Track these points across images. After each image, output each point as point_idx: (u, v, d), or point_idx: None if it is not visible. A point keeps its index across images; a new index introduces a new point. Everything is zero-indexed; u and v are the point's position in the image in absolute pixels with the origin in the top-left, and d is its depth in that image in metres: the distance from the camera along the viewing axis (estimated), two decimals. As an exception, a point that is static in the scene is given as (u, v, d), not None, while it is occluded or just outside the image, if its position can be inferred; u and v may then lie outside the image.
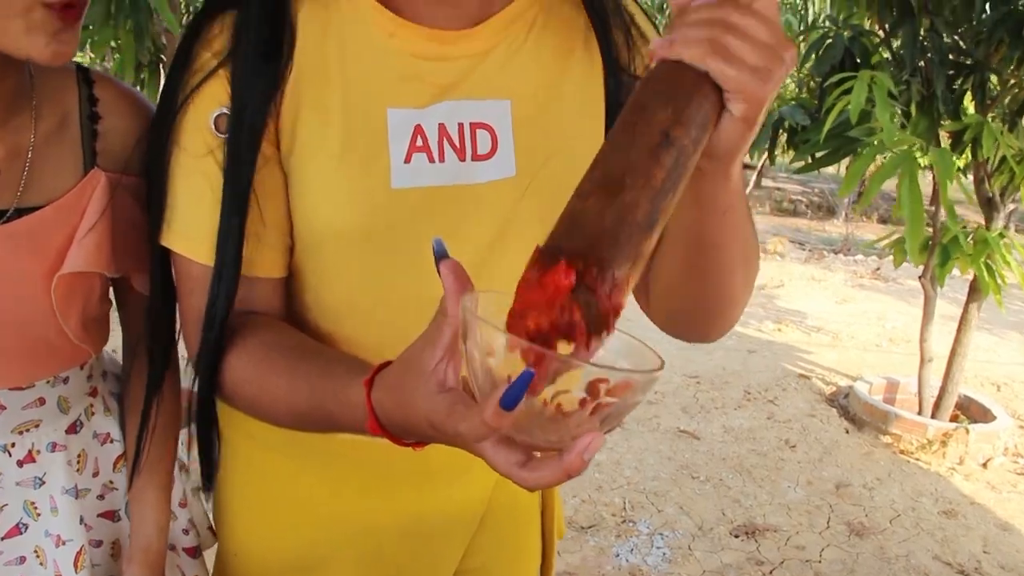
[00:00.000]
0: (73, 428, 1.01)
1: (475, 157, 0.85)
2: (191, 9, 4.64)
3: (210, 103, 0.80)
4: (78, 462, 1.02)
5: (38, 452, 0.98)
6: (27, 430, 0.96)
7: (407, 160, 0.82)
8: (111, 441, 1.06)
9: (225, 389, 0.84)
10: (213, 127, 0.80)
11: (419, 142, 0.83)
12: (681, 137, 0.57)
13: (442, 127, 0.83)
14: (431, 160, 0.83)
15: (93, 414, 1.04)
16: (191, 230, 0.82)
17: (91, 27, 3.07)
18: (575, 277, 0.52)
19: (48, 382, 0.96)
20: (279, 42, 0.80)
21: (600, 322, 0.54)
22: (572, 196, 0.57)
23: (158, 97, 0.85)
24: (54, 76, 0.92)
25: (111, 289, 1.01)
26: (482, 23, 0.85)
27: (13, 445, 0.96)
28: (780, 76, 0.61)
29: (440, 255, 0.65)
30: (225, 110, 0.79)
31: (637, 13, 0.94)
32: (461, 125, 0.84)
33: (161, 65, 3.35)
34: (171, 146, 0.81)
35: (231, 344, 0.82)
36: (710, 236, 0.75)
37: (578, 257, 0.53)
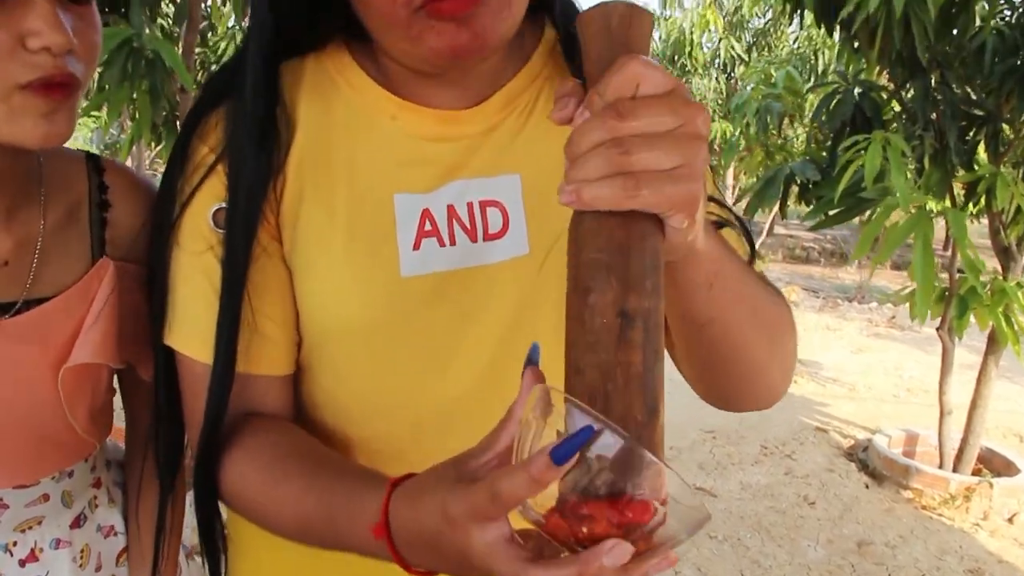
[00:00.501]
0: (77, 522, 0.98)
1: (487, 237, 0.81)
2: (207, 67, 4.70)
3: (209, 199, 0.78)
4: (81, 557, 0.98)
5: (41, 550, 0.94)
6: (30, 528, 0.93)
7: (416, 247, 0.79)
8: (115, 534, 1.03)
9: (227, 494, 0.80)
10: (212, 223, 0.78)
11: (428, 227, 0.80)
12: (639, 303, 0.54)
13: (451, 208, 0.80)
14: (441, 244, 0.80)
15: (97, 506, 1.01)
16: (192, 329, 0.80)
17: (107, 88, 3.11)
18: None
19: (53, 478, 0.93)
20: (273, 130, 0.78)
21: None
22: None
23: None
24: (63, 163, 0.91)
25: (115, 376, 0.99)
26: (486, 100, 0.82)
27: (15, 544, 0.93)
28: (703, 154, 0.55)
29: (531, 360, 0.61)
30: (223, 205, 0.78)
31: None
32: (471, 204, 0.81)
33: (177, 123, 3.38)
34: (172, 244, 0.80)
35: (236, 446, 0.79)
36: (702, 314, 0.71)
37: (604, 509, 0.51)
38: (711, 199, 0.83)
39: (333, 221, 0.79)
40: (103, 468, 1.02)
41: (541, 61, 0.85)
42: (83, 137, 12.25)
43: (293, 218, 0.79)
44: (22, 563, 0.93)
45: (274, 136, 0.78)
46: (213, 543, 0.86)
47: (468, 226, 0.81)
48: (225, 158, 0.78)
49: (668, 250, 0.58)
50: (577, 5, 0.88)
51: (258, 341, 0.79)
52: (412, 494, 0.62)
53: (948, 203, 3.80)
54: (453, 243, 0.80)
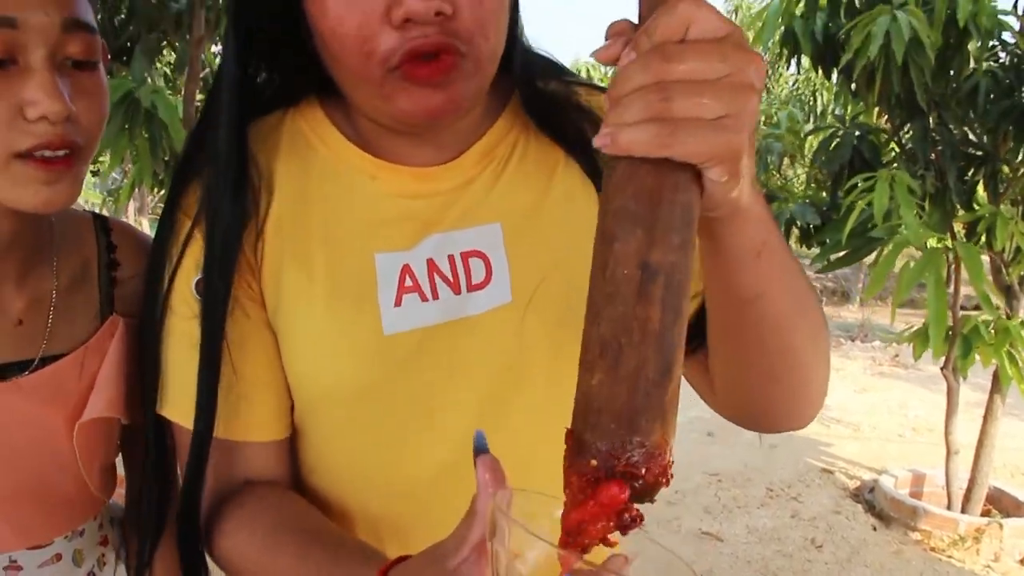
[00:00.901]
0: None
1: (470, 287, 0.80)
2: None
3: (192, 270, 0.78)
4: None
5: None
6: None
7: (397, 303, 0.78)
8: None
9: (222, 559, 0.80)
10: (195, 292, 0.78)
11: (408, 282, 0.79)
12: (663, 257, 0.50)
13: (431, 263, 0.80)
14: (423, 299, 0.79)
15: (104, 564, 1.00)
16: (179, 396, 0.79)
17: (107, 137, 3.14)
18: (621, 482, 0.50)
19: (66, 537, 0.93)
20: (246, 185, 0.78)
21: (651, 492, 0.51)
22: (580, 367, 0.52)
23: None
24: (73, 225, 0.93)
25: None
26: (462, 155, 0.82)
27: None
28: (752, 106, 0.51)
29: (479, 449, 0.60)
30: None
31: (599, 107, 0.86)
32: (452, 257, 0.80)
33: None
34: (161, 312, 0.79)
35: (232, 515, 0.78)
36: (749, 288, 0.65)
37: (611, 455, 0.49)
38: None
39: (314, 283, 0.78)
40: (109, 526, 1.02)
41: (513, 114, 0.85)
42: (86, 182, 12.36)
43: (275, 281, 0.79)
44: None
45: (247, 190, 0.78)
46: None
47: (451, 278, 0.80)
48: (202, 222, 0.78)
49: (710, 206, 0.55)
50: (538, 58, 0.88)
51: (246, 407, 0.79)
52: None
53: (950, 242, 3.80)
54: (436, 297, 0.79)
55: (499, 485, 0.57)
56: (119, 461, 1.02)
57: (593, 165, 0.82)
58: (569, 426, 0.52)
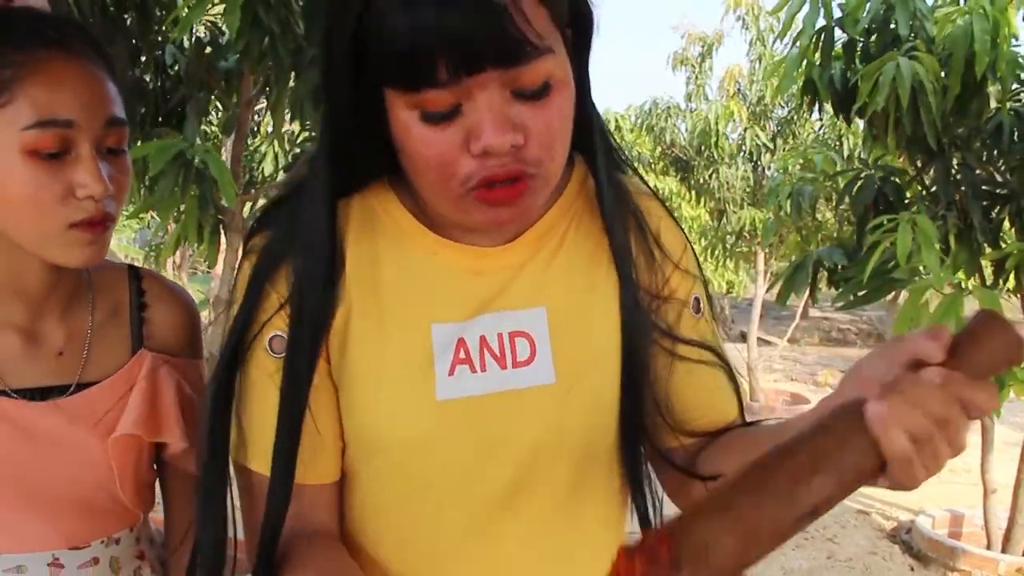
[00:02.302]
0: None
1: (515, 364, 0.88)
2: (251, 177, 4.88)
3: (269, 329, 0.86)
4: None
5: None
6: None
7: (451, 373, 0.86)
8: None
9: None
10: (269, 348, 0.86)
11: (462, 355, 0.87)
12: (825, 508, 0.63)
13: (483, 339, 0.87)
14: (473, 371, 0.87)
15: None
16: (257, 446, 0.87)
17: (158, 195, 3.28)
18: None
19: (102, 542, 1.05)
20: (336, 268, 0.86)
21: None
22: (703, 509, 0.65)
23: (226, 328, 0.90)
24: (108, 272, 1.08)
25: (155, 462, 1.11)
26: (519, 238, 0.89)
27: None
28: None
29: None
30: (280, 333, 0.85)
31: (665, 229, 0.95)
32: (501, 335, 0.88)
33: (222, 227, 3.53)
34: (240, 372, 0.87)
35: (290, 566, 0.84)
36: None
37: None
38: (706, 346, 0.94)
39: (376, 346, 0.87)
40: (147, 543, 1.13)
41: (570, 199, 0.93)
42: (126, 238, 12.64)
43: (340, 339, 0.87)
44: None
45: (338, 280, 0.86)
46: None
47: (498, 354, 0.88)
48: (288, 301, 0.86)
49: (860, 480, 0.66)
50: (619, 151, 0.96)
51: (311, 454, 0.86)
52: None
53: (977, 281, 3.83)
54: (484, 370, 0.87)
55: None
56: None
57: (627, 267, 0.91)
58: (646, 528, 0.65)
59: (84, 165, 0.92)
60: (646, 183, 0.99)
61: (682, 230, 0.98)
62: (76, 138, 0.92)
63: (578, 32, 0.82)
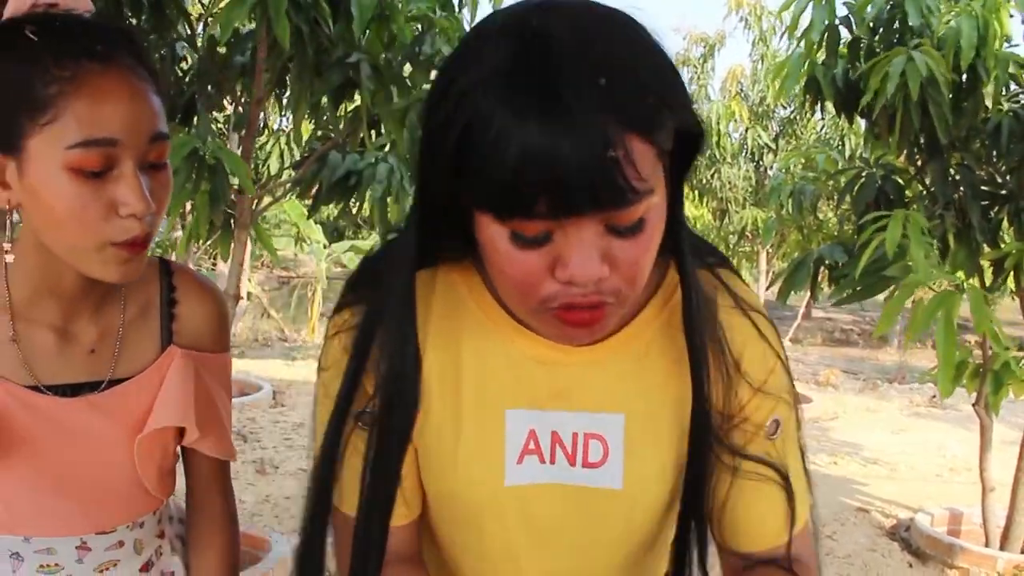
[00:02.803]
0: (146, 567, 1.13)
1: (585, 464, 0.89)
2: (257, 174, 4.90)
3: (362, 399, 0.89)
4: None
5: None
6: (106, 569, 1.09)
7: (519, 461, 0.89)
8: None
9: None
10: (358, 424, 0.89)
11: (532, 445, 0.89)
12: None
13: (555, 435, 0.89)
14: (542, 461, 0.89)
15: (161, 554, 1.16)
16: (351, 494, 0.91)
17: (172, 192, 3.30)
18: None
19: (128, 527, 1.10)
20: (418, 382, 0.87)
21: None
22: None
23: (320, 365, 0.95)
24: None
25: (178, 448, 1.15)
26: (600, 341, 0.88)
27: None
28: None
29: None
30: (368, 409, 0.88)
31: (751, 349, 0.91)
32: (575, 435, 0.89)
33: (232, 221, 3.57)
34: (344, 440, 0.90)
35: None
36: None
37: None
38: (768, 463, 0.90)
39: (452, 425, 0.90)
40: (167, 522, 1.18)
41: (656, 309, 0.90)
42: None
43: (424, 411, 0.89)
44: None
45: (419, 377, 0.86)
46: None
47: (570, 452, 0.89)
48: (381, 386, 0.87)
49: None
50: (710, 248, 0.96)
51: (400, 500, 0.91)
52: None
53: (976, 281, 3.87)
54: (553, 462, 0.89)
55: None
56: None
57: (702, 386, 0.87)
58: None
59: (127, 182, 0.91)
60: (744, 289, 0.96)
61: (774, 348, 0.93)
62: (120, 156, 0.91)
63: (681, 150, 0.78)
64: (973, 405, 4.10)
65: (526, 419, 0.89)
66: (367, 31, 2.59)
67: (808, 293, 4.31)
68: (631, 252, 0.75)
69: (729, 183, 8.65)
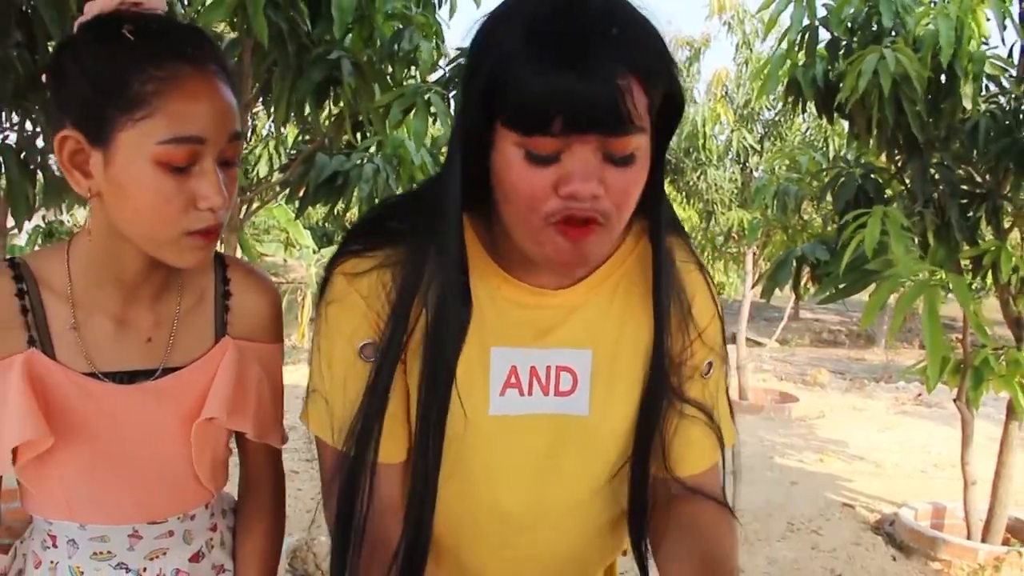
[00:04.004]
0: (196, 558, 1.17)
1: (557, 393, 1.04)
2: (246, 178, 4.93)
3: (353, 337, 1.01)
4: None
5: (163, 575, 1.14)
6: (156, 557, 1.13)
7: (502, 393, 1.03)
8: (224, 572, 1.21)
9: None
10: (361, 355, 1.01)
11: (513, 379, 1.03)
12: None
13: (533, 369, 1.03)
14: (521, 394, 1.03)
15: (212, 547, 1.19)
16: (343, 428, 1.02)
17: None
18: None
19: (179, 518, 1.14)
20: (469, 294, 0.98)
21: None
22: None
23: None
24: None
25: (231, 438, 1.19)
26: (574, 285, 1.04)
27: (145, 570, 1.12)
28: None
29: None
30: (369, 341, 1.00)
31: (699, 300, 1.09)
32: (549, 368, 1.04)
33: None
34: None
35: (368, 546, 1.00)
36: None
37: None
38: (703, 408, 1.09)
39: None
40: (219, 515, 1.21)
41: (623, 257, 1.07)
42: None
43: (415, 352, 1.00)
44: None
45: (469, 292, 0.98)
46: None
47: (544, 383, 1.04)
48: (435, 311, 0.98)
49: None
50: (678, 221, 1.12)
51: (390, 437, 1.01)
52: None
53: (942, 275, 3.92)
54: (530, 394, 1.04)
55: None
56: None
57: (663, 330, 1.04)
58: None
59: (208, 179, 0.96)
60: (695, 254, 1.13)
61: (715, 302, 1.12)
62: (203, 152, 0.96)
63: (666, 118, 0.94)
64: (955, 400, 4.16)
65: (508, 356, 1.03)
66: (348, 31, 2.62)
67: (793, 298, 4.35)
68: (621, 181, 0.90)
69: (715, 185, 8.71)
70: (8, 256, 1.03)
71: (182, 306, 1.11)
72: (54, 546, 1.11)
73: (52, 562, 1.11)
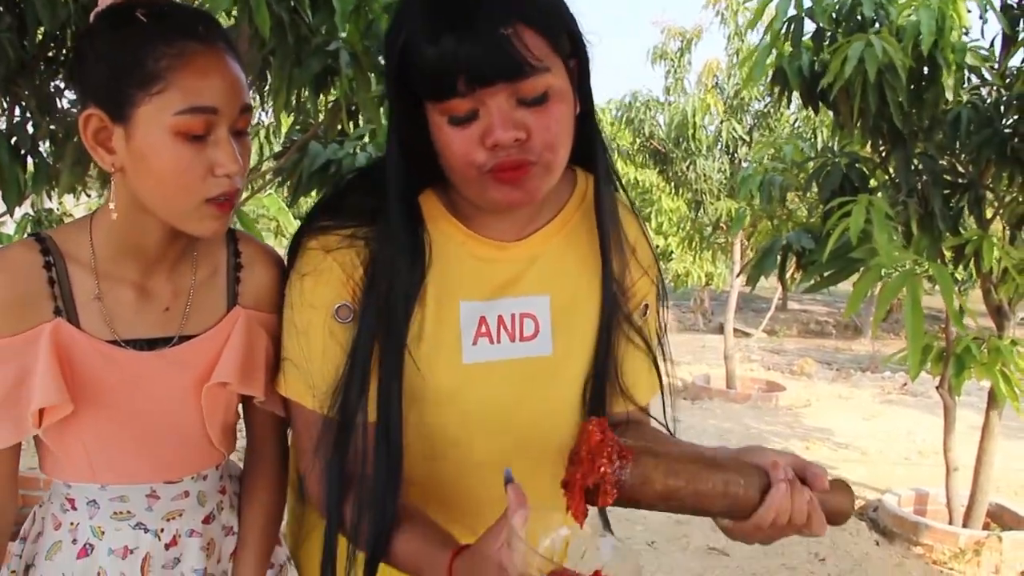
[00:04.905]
0: (208, 519, 1.24)
1: (522, 339, 1.13)
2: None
3: (332, 297, 1.09)
4: (208, 548, 1.25)
5: (179, 537, 1.22)
6: (173, 518, 1.21)
7: (474, 343, 1.11)
8: (232, 534, 1.29)
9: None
10: (336, 317, 1.08)
11: (483, 329, 1.12)
12: (713, 501, 0.94)
13: (500, 318, 1.12)
14: (491, 342, 1.12)
15: (222, 509, 1.27)
16: (322, 389, 1.10)
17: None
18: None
19: (192, 478, 1.22)
20: (421, 257, 1.08)
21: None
22: (654, 451, 0.94)
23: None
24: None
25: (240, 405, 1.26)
26: (530, 236, 1.14)
27: (162, 531, 1.20)
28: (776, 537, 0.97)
29: (508, 480, 0.91)
30: (345, 303, 1.08)
31: (640, 241, 1.22)
32: (514, 315, 1.13)
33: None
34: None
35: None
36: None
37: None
38: (646, 340, 1.21)
39: (418, 314, 1.09)
40: (228, 479, 1.29)
41: (573, 209, 1.17)
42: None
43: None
44: (166, 546, 1.21)
45: (422, 255, 1.08)
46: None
47: (510, 330, 1.13)
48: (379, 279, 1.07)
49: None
50: (616, 172, 1.20)
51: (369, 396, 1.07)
52: (467, 565, 0.94)
53: (925, 264, 3.97)
54: (499, 342, 1.12)
55: (520, 505, 0.87)
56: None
57: (610, 268, 1.15)
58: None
59: (223, 147, 1.04)
60: (631, 204, 1.25)
61: (652, 245, 1.26)
62: (217, 122, 1.03)
63: (580, 64, 1.04)
64: (937, 388, 4.21)
65: (477, 309, 1.11)
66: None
67: (780, 289, 4.39)
68: (542, 119, 0.98)
69: (704, 175, 8.75)
70: (33, 232, 1.15)
71: (197, 277, 1.18)
72: (73, 508, 1.18)
73: (72, 523, 1.18)
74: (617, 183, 1.19)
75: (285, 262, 1.17)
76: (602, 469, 0.89)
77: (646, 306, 1.23)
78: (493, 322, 1.12)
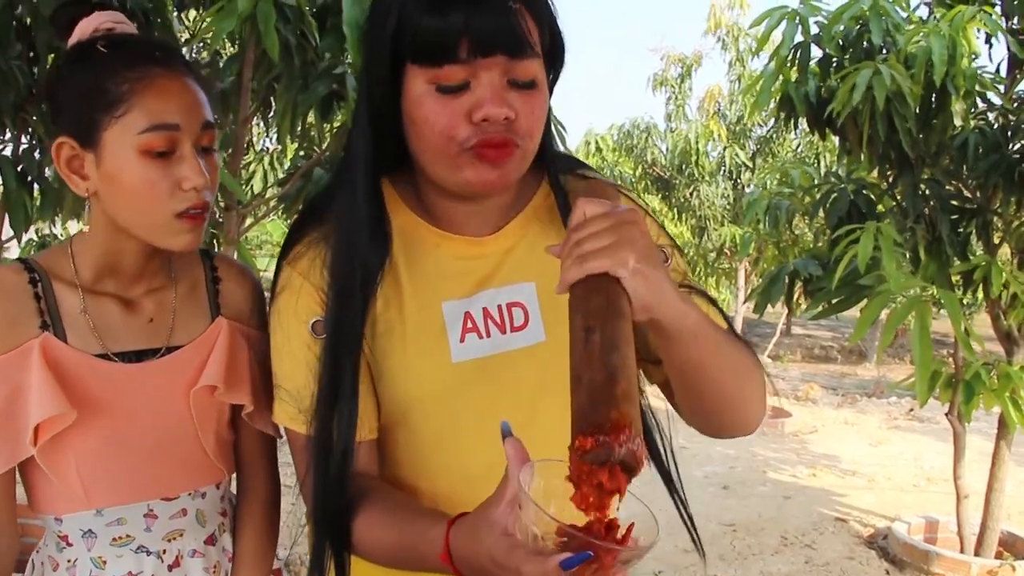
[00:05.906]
0: (211, 540, 1.25)
1: (512, 329, 1.09)
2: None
3: (305, 313, 1.06)
4: (213, 571, 1.25)
5: (182, 558, 1.22)
6: (174, 538, 1.21)
7: (462, 340, 1.07)
8: (231, 559, 1.28)
9: (356, 543, 1.03)
10: (312, 331, 1.05)
11: (469, 325, 1.07)
12: (596, 322, 0.81)
13: (486, 311, 1.08)
14: (479, 337, 1.07)
15: (224, 531, 1.27)
16: (300, 409, 1.06)
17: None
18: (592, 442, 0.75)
19: (190, 495, 1.21)
20: (383, 240, 1.05)
21: (611, 448, 0.74)
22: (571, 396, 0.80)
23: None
24: (186, 255, 1.26)
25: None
26: (501, 229, 1.10)
27: (164, 552, 1.20)
28: (633, 231, 0.85)
29: (506, 434, 0.86)
30: (319, 318, 1.04)
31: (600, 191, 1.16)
32: (500, 306, 1.09)
33: (216, 241, 3.61)
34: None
35: (360, 506, 1.02)
36: (693, 360, 0.96)
37: (590, 431, 0.75)
38: (685, 285, 1.11)
39: (399, 324, 1.06)
40: (228, 503, 1.29)
41: (540, 200, 1.14)
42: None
43: (372, 324, 1.06)
44: (169, 567, 1.21)
45: (385, 235, 1.04)
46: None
47: (498, 322, 1.09)
48: (319, 286, 1.04)
49: (639, 305, 0.85)
50: (563, 156, 1.20)
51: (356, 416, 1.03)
52: (465, 533, 0.87)
53: (934, 290, 3.95)
54: (488, 335, 1.08)
55: (522, 460, 0.81)
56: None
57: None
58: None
59: (188, 162, 1.09)
60: (597, 176, 1.19)
61: (647, 211, 1.17)
62: (180, 139, 1.09)
63: (552, 61, 1.03)
64: (946, 414, 4.18)
65: (460, 306, 1.08)
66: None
67: (785, 313, 4.37)
68: (529, 104, 0.97)
69: (707, 201, 8.76)
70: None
71: (178, 293, 1.23)
72: (68, 544, 1.17)
73: (70, 560, 1.18)
74: (583, 166, 1.19)
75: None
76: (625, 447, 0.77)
77: (665, 254, 1.13)
78: (478, 315, 1.08)
